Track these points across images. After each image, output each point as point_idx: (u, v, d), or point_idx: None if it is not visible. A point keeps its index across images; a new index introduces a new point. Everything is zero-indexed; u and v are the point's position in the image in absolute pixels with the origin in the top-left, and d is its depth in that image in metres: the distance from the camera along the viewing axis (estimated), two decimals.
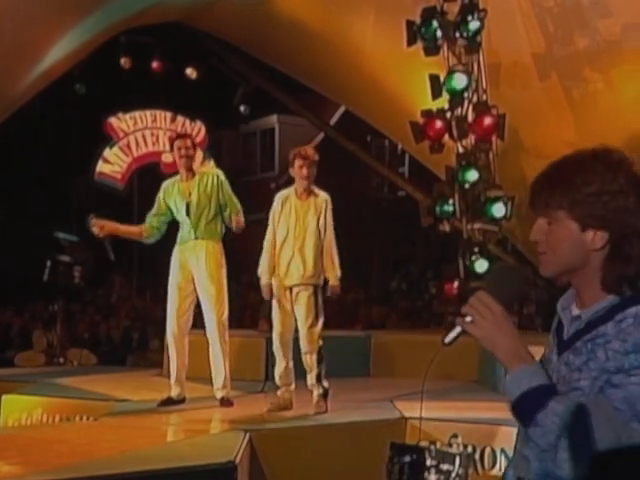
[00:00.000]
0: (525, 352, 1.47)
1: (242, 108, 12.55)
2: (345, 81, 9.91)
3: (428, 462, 3.98)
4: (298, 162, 5.42)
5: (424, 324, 11.99)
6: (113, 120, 11.82)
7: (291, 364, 5.49)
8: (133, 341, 11.72)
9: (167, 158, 12.02)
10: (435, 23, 7.53)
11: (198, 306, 5.78)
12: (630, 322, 1.41)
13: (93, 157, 11.84)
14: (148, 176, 13.03)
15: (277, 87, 11.78)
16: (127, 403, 5.90)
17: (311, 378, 5.42)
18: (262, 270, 5.52)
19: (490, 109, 7.55)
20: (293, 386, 5.52)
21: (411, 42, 7.67)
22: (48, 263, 9.30)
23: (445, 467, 4.00)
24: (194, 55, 11.87)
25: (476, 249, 7.50)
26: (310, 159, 5.42)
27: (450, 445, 4.83)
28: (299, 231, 5.41)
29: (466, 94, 7.58)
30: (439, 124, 7.58)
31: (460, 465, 4.00)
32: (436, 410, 5.19)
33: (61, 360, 9.53)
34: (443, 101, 7.64)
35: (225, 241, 5.87)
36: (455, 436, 4.92)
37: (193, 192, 5.72)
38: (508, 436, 4.22)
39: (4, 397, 6.42)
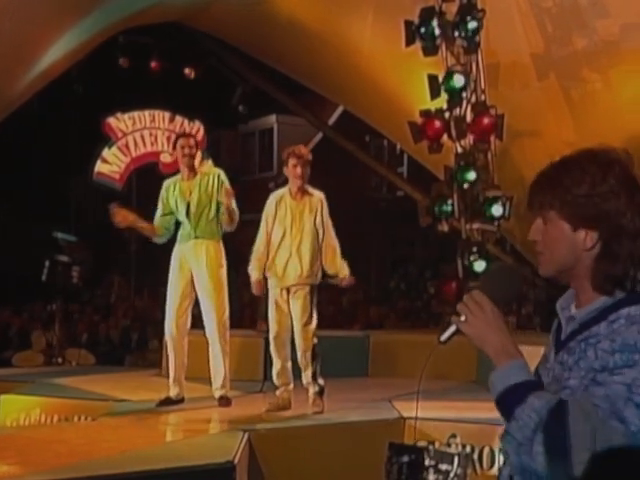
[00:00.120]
0: (513, 349, 1.50)
1: (241, 108, 12.55)
2: (344, 81, 9.91)
3: (427, 462, 3.98)
4: (292, 161, 5.42)
5: (423, 324, 12.00)
6: (112, 120, 11.82)
7: (289, 363, 5.50)
8: (132, 341, 11.72)
9: (165, 158, 12.03)
10: (434, 23, 7.53)
11: (198, 306, 5.77)
12: (622, 323, 1.42)
13: (92, 157, 11.84)
14: (147, 176, 13.04)
15: (276, 87, 11.78)
16: (126, 403, 5.90)
17: (306, 376, 5.43)
18: (252, 267, 5.51)
19: (489, 109, 7.55)
20: (291, 385, 5.52)
21: (410, 42, 7.67)
22: (47, 263, 9.30)
23: (444, 467, 4.00)
24: (192, 55, 11.86)
25: (475, 249, 7.50)
26: (304, 158, 5.42)
27: (449, 445, 4.83)
28: (295, 232, 5.41)
29: (465, 94, 7.58)
30: (438, 124, 7.58)
31: (458, 465, 4.00)
32: (435, 410, 5.19)
33: (59, 360, 9.53)
34: (442, 101, 7.64)
35: (224, 241, 5.86)
36: (454, 436, 4.92)
37: (194, 191, 5.72)
38: None
39: (2, 397, 6.41)
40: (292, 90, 11.76)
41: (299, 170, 5.39)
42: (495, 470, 4.74)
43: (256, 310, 8.92)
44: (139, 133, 11.96)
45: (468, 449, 4.76)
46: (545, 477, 1.40)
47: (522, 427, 1.41)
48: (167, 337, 5.78)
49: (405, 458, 4.03)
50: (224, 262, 5.73)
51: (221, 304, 5.68)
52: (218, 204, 5.70)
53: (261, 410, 5.42)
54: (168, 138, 12.09)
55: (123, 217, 5.67)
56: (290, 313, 5.45)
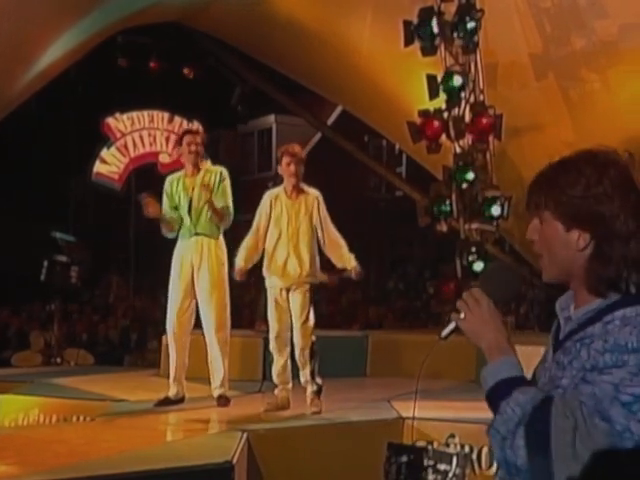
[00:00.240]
0: (506, 346, 1.52)
1: (239, 108, 12.54)
2: (343, 81, 9.91)
3: (425, 462, 3.99)
4: (285, 159, 5.42)
5: (421, 324, 12.00)
6: (110, 120, 11.82)
7: (289, 362, 5.50)
8: (131, 341, 11.72)
9: (164, 158, 12.04)
10: (432, 23, 7.53)
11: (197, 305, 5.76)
12: (617, 324, 1.43)
13: (90, 157, 11.83)
14: (145, 176, 13.03)
15: (274, 87, 11.78)
16: (124, 403, 5.90)
17: (304, 375, 5.43)
18: (239, 256, 5.49)
19: (487, 109, 7.56)
20: (290, 384, 5.52)
21: (408, 42, 7.68)
22: (45, 263, 9.29)
23: (442, 467, 4.01)
24: (191, 55, 11.86)
25: (473, 249, 7.50)
26: (297, 156, 5.42)
27: (447, 445, 4.83)
28: (292, 231, 5.41)
29: (463, 94, 7.59)
30: (436, 124, 7.58)
31: (457, 465, 4.00)
32: (433, 410, 5.19)
33: (58, 360, 9.53)
34: (440, 101, 7.64)
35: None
36: (452, 436, 4.92)
37: (196, 188, 5.71)
38: None
39: (1, 397, 6.41)
40: (291, 90, 11.75)
41: (293, 168, 5.39)
42: (493, 470, 4.74)
43: (255, 310, 8.92)
44: (138, 133, 11.96)
45: (467, 449, 4.76)
46: (525, 472, 1.41)
47: (506, 421, 1.43)
48: (169, 336, 5.76)
49: (404, 458, 4.03)
50: (225, 260, 5.71)
51: (221, 303, 5.66)
52: (221, 201, 5.68)
53: (260, 410, 5.42)
54: (167, 138, 12.11)
55: (154, 207, 5.64)
56: (290, 311, 5.45)
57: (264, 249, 5.50)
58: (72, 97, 12.35)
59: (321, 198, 5.49)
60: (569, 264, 1.52)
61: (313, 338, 5.44)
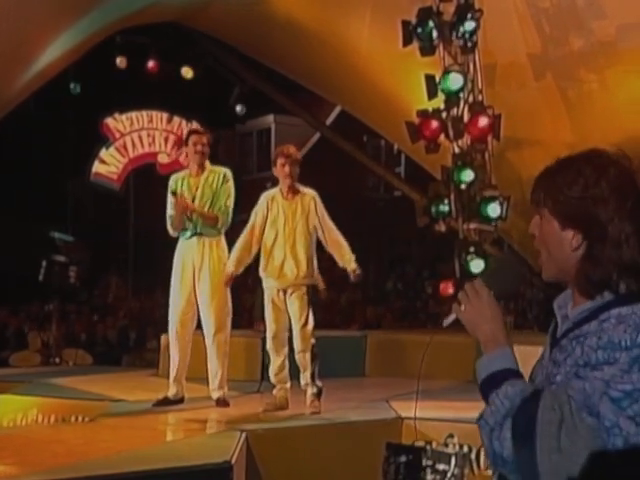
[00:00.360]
0: (502, 339, 1.54)
1: (238, 108, 12.55)
2: (341, 81, 9.91)
3: (424, 462, 3.99)
4: (280, 161, 5.42)
5: (420, 324, 12.01)
6: (109, 121, 11.82)
7: (286, 362, 5.49)
8: (130, 340, 11.71)
9: (163, 159, 12.04)
10: (431, 23, 7.53)
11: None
12: (613, 322, 1.44)
13: (89, 157, 11.83)
14: (144, 177, 13.03)
15: (273, 87, 11.78)
16: (123, 403, 5.90)
17: (305, 377, 5.42)
18: (230, 261, 5.48)
19: (486, 109, 7.56)
20: (289, 384, 5.52)
21: (407, 42, 7.67)
22: (44, 263, 9.29)
23: (441, 467, 4.01)
24: (190, 55, 11.86)
25: (472, 249, 7.50)
26: (292, 157, 5.41)
27: (446, 445, 4.83)
28: (289, 232, 5.40)
29: (462, 94, 7.59)
30: (435, 124, 7.58)
31: (456, 465, 4.00)
32: (432, 410, 5.19)
33: (57, 360, 9.52)
34: (439, 101, 7.64)
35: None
36: (451, 436, 4.92)
37: (199, 187, 5.71)
38: None
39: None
40: (290, 90, 11.76)
41: (287, 169, 5.39)
42: (491, 470, 4.74)
43: (253, 310, 8.92)
44: (137, 134, 11.96)
45: (465, 449, 4.76)
46: (511, 463, 1.42)
47: (494, 412, 1.45)
48: (171, 336, 5.74)
49: (402, 458, 4.03)
50: (227, 261, 5.70)
51: (221, 304, 5.66)
52: (220, 202, 5.68)
53: (258, 410, 5.42)
54: (166, 139, 12.11)
55: (184, 206, 5.61)
56: (287, 312, 5.44)
57: (258, 250, 5.50)
58: (71, 97, 12.33)
59: (318, 198, 5.49)
60: (563, 262, 1.53)
61: (313, 341, 5.44)
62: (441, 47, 7.61)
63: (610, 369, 1.39)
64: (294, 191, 5.46)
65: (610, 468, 1.39)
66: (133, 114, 11.95)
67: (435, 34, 7.54)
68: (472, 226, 7.69)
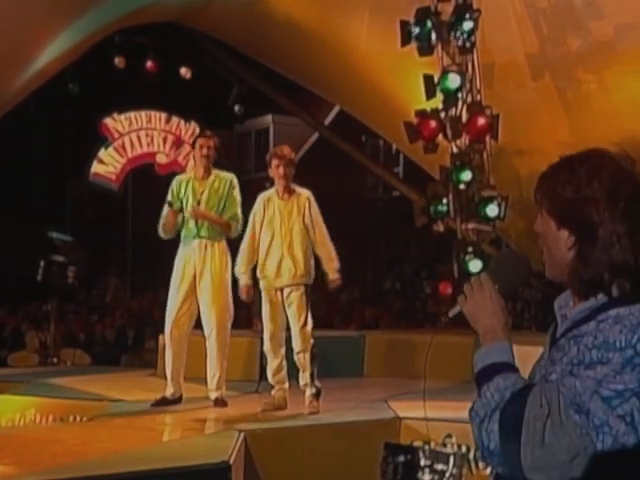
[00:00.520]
0: (501, 332, 1.57)
1: (236, 108, 12.55)
2: (340, 81, 9.92)
3: (422, 462, 3.99)
4: (275, 162, 5.43)
5: (418, 324, 12.01)
6: (108, 121, 11.82)
7: (284, 362, 5.49)
8: (128, 339, 11.71)
9: (161, 159, 12.04)
10: (429, 23, 7.54)
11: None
12: (610, 322, 1.44)
13: (88, 157, 11.83)
14: (142, 177, 13.03)
15: (272, 87, 11.78)
16: (121, 403, 5.90)
17: (304, 378, 5.42)
18: (240, 271, 5.50)
19: (484, 109, 7.56)
20: (287, 384, 5.52)
21: (405, 42, 7.68)
22: (42, 263, 9.28)
23: (439, 467, 4.01)
24: (188, 55, 11.86)
25: (470, 249, 7.51)
26: (286, 158, 5.42)
27: (444, 445, 4.84)
28: (285, 232, 5.41)
29: (460, 94, 7.59)
30: (433, 124, 7.59)
31: (454, 465, 4.00)
32: (430, 410, 5.19)
33: (55, 360, 9.51)
34: (437, 101, 7.65)
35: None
36: (449, 436, 4.93)
37: (205, 191, 5.70)
38: None
39: None
40: (288, 90, 11.76)
41: (282, 170, 5.40)
42: (490, 470, 4.74)
43: (252, 307, 8.92)
44: (135, 134, 11.96)
45: (464, 449, 4.77)
46: (498, 455, 1.44)
47: (484, 405, 1.47)
48: (166, 336, 5.74)
49: (401, 458, 4.02)
50: (229, 265, 5.68)
51: (223, 306, 5.65)
52: (225, 207, 5.69)
53: (257, 410, 5.42)
54: (164, 139, 12.12)
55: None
56: (285, 311, 5.44)
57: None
58: (69, 97, 12.33)
59: (312, 198, 5.49)
60: (561, 261, 1.54)
61: (312, 341, 5.44)
62: (439, 47, 7.62)
63: (603, 369, 1.39)
64: (289, 191, 5.46)
65: (598, 467, 1.39)
66: (132, 114, 11.95)
67: (433, 34, 7.54)
68: (470, 226, 7.69)
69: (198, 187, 5.72)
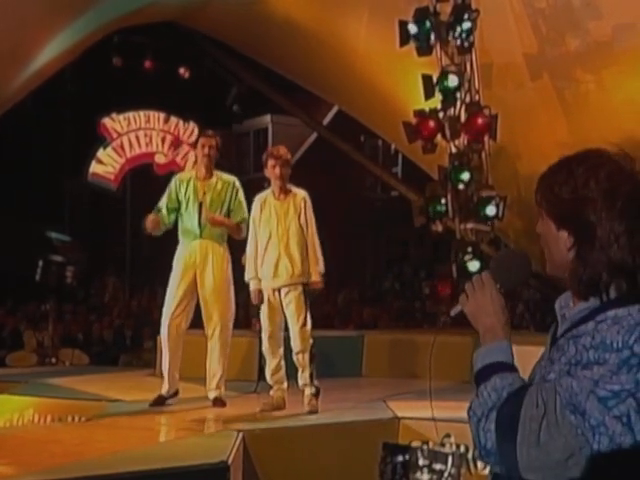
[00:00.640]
0: (501, 332, 1.57)
1: (235, 108, 12.55)
2: (339, 81, 9.92)
3: (420, 462, 3.99)
4: (270, 162, 5.43)
5: (417, 324, 12.01)
6: (107, 121, 11.81)
7: (282, 362, 5.49)
8: (126, 339, 11.70)
9: (160, 159, 12.04)
10: (428, 23, 7.54)
11: (197, 306, 5.74)
12: (608, 323, 1.44)
13: (86, 157, 11.83)
14: (141, 177, 13.03)
15: (270, 87, 11.78)
16: (119, 403, 5.89)
17: (304, 378, 5.42)
18: (250, 275, 5.50)
19: (482, 109, 7.57)
20: (285, 384, 5.51)
21: (404, 42, 7.69)
22: (40, 263, 9.28)
23: (438, 467, 4.01)
24: (187, 55, 11.86)
25: (469, 249, 7.51)
26: (282, 158, 5.42)
27: (443, 445, 4.84)
28: (282, 232, 5.40)
29: (458, 94, 7.60)
30: (432, 124, 7.59)
31: (452, 465, 4.01)
32: (429, 410, 5.19)
33: (53, 360, 9.51)
34: (436, 101, 7.66)
35: None
36: (448, 436, 4.93)
37: (208, 193, 5.69)
38: None
39: None
40: (287, 90, 11.76)
41: (277, 170, 5.40)
42: (488, 470, 4.74)
43: (250, 310, 8.92)
44: (134, 134, 11.96)
45: (462, 449, 4.77)
46: (494, 455, 1.45)
47: (482, 404, 1.48)
48: (163, 335, 5.73)
49: (399, 458, 4.03)
50: (230, 266, 5.70)
51: (225, 305, 5.65)
52: (228, 210, 5.69)
53: (255, 410, 5.42)
54: (163, 139, 12.11)
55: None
56: (283, 311, 5.44)
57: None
58: (68, 96, 12.33)
59: (308, 199, 5.49)
60: (561, 262, 1.54)
61: (311, 341, 5.44)
62: (438, 47, 7.63)
63: (600, 369, 1.40)
64: (286, 192, 5.46)
65: (595, 467, 1.39)
66: (130, 114, 11.95)
67: (432, 34, 7.55)
68: (469, 226, 7.70)
69: (200, 187, 5.71)
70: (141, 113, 12.05)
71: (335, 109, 15.98)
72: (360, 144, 16.38)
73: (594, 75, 8.39)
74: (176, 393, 5.71)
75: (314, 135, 17.71)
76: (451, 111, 7.62)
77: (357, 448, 4.86)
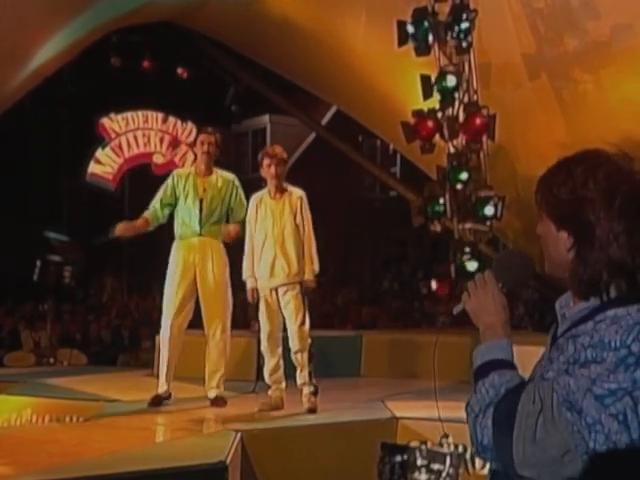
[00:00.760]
0: (501, 330, 1.59)
1: (233, 108, 12.55)
2: (337, 81, 9.92)
3: (419, 462, 3.99)
4: (266, 161, 5.42)
5: (416, 324, 12.01)
6: (105, 121, 11.82)
7: (281, 362, 5.49)
8: (124, 339, 11.70)
9: (158, 159, 12.04)
10: (426, 23, 7.54)
11: (197, 306, 5.73)
12: (607, 322, 1.45)
13: (84, 157, 11.83)
14: (139, 177, 13.02)
15: (268, 87, 11.78)
16: (118, 403, 5.89)
17: (302, 377, 5.41)
18: (247, 275, 5.50)
19: (481, 109, 7.57)
20: (284, 384, 5.51)
21: (402, 42, 7.69)
22: (38, 263, 9.27)
23: (436, 467, 4.01)
24: (185, 55, 11.86)
25: (467, 249, 7.52)
26: (277, 157, 5.41)
27: (441, 445, 4.84)
28: (277, 231, 5.40)
29: (457, 94, 7.60)
30: (430, 124, 7.60)
31: (450, 465, 4.01)
32: (427, 410, 5.19)
33: (51, 360, 9.50)
34: (434, 101, 7.66)
35: None
36: (446, 436, 4.93)
37: (208, 190, 5.68)
38: None
39: None
40: (285, 90, 11.76)
41: (273, 170, 5.39)
42: (487, 470, 4.74)
43: (248, 310, 8.92)
44: (132, 134, 11.97)
45: (460, 449, 4.77)
46: (491, 450, 1.46)
47: (479, 400, 1.50)
48: (163, 335, 5.71)
49: (397, 458, 4.03)
50: (227, 264, 5.70)
51: (225, 305, 5.65)
52: (227, 209, 5.68)
53: (254, 410, 5.41)
54: (161, 139, 12.12)
55: (123, 230, 5.64)
56: (281, 311, 5.44)
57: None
58: (66, 96, 12.33)
59: (305, 198, 5.48)
60: (561, 262, 1.55)
61: (309, 340, 5.44)
62: (436, 47, 7.63)
63: (597, 368, 1.40)
64: (282, 191, 5.45)
65: (591, 465, 1.40)
66: (129, 114, 11.96)
67: (430, 34, 7.55)
68: (467, 226, 7.70)
69: (200, 184, 5.70)
70: (139, 113, 12.06)
71: (333, 109, 15.98)
72: (358, 144, 16.38)
73: (592, 75, 8.40)
74: (170, 395, 5.70)
75: (312, 135, 17.72)
76: (449, 111, 7.62)
77: (355, 448, 4.86)
